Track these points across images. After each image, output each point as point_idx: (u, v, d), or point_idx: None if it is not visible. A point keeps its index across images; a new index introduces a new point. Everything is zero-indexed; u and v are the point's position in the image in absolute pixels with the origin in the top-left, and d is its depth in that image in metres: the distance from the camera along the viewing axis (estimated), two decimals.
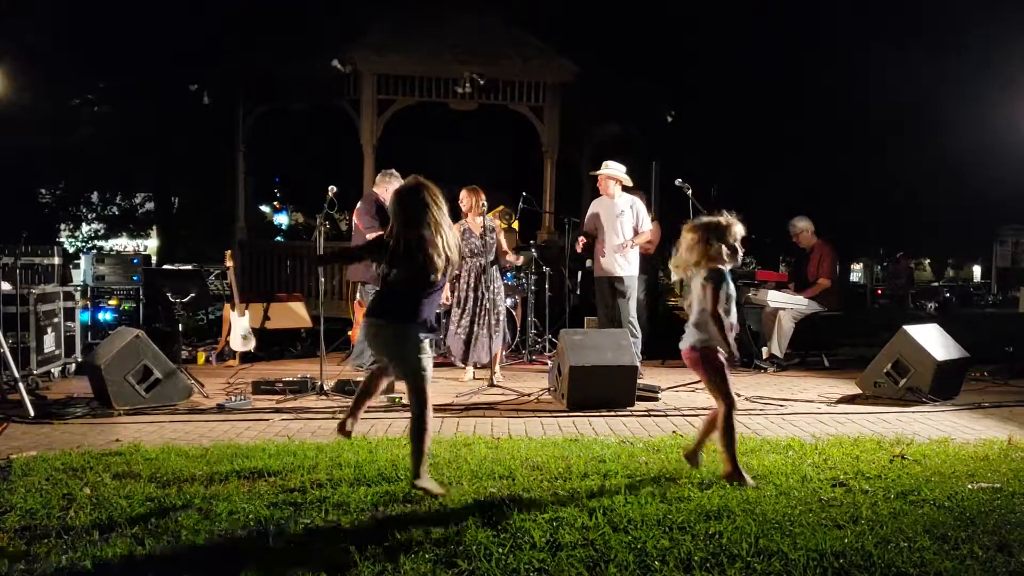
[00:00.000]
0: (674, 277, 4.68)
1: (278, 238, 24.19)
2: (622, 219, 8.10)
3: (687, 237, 4.44)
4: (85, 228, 25.77)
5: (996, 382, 7.92)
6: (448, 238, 4.17)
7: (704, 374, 4.46)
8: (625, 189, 8.29)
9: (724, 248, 4.33)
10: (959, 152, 18.19)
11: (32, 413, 6.00)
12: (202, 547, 3.37)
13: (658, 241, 9.23)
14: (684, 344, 4.50)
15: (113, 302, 9.77)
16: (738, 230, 4.38)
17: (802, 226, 9.48)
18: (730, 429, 4.31)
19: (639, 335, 8.16)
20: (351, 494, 4.02)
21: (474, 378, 7.85)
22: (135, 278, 9.86)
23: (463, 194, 7.86)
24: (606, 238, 8.13)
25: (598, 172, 8.25)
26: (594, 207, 8.34)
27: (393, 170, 8.24)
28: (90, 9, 16.19)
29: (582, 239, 8.15)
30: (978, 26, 17.06)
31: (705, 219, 4.47)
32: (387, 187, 8.11)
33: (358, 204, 8.15)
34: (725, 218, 4.39)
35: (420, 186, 4.22)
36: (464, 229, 7.75)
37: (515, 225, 10.70)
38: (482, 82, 10.55)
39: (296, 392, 6.85)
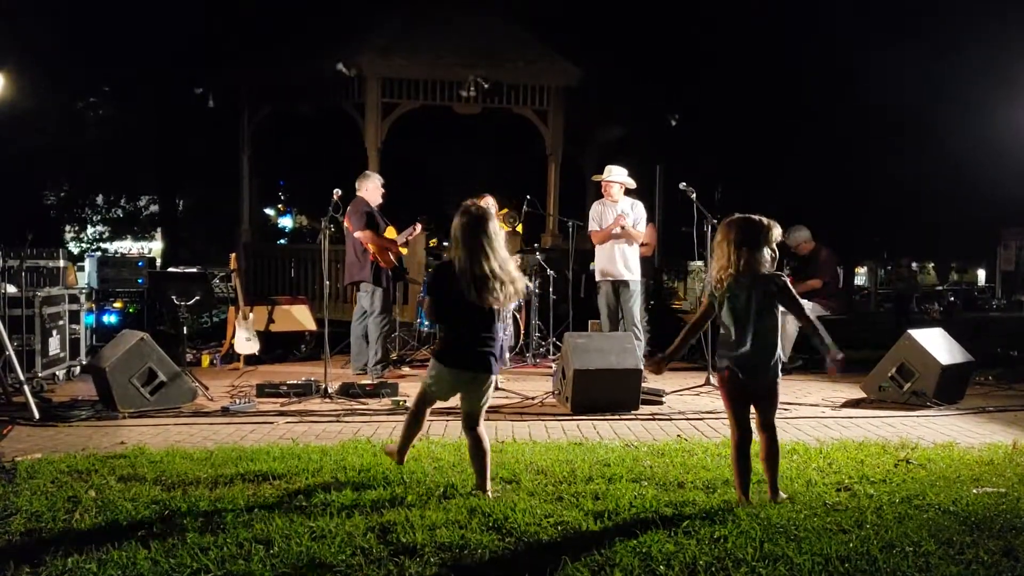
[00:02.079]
0: (715, 292, 4.03)
1: (282, 241, 24.26)
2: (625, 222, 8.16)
3: (732, 237, 3.95)
4: (90, 230, 25.84)
5: (1001, 386, 7.89)
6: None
7: (776, 400, 4.06)
8: (627, 193, 8.33)
9: (768, 252, 3.94)
10: (962, 154, 18.18)
11: (37, 415, 6.02)
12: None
13: (654, 244, 9.22)
14: (768, 368, 3.97)
15: (118, 305, 9.79)
16: (776, 233, 3.99)
17: (800, 236, 9.17)
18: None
19: (643, 338, 8.17)
20: (356, 498, 4.03)
21: None
22: (140, 281, 9.88)
23: (480, 200, 7.99)
24: (611, 240, 8.14)
25: (601, 178, 8.28)
26: (598, 208, 8.36)
27: (368, 171, 8.50)
28: (93, 12, 16.25)
29: (620, 217, 8.12)
30: (981, 27, 17.05)
31: (743, 217, 4.01)
32: (365, 187, 8.28)
33: (348, 207, 8.25)
34: (766, 219, 3.99)
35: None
36: None
37: (519, 228, 10.71)
38: (486, 85, 10.56)
39: (300, 395, 6.86)
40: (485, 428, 4.24)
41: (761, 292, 3.93)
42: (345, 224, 8.24)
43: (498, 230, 4.07)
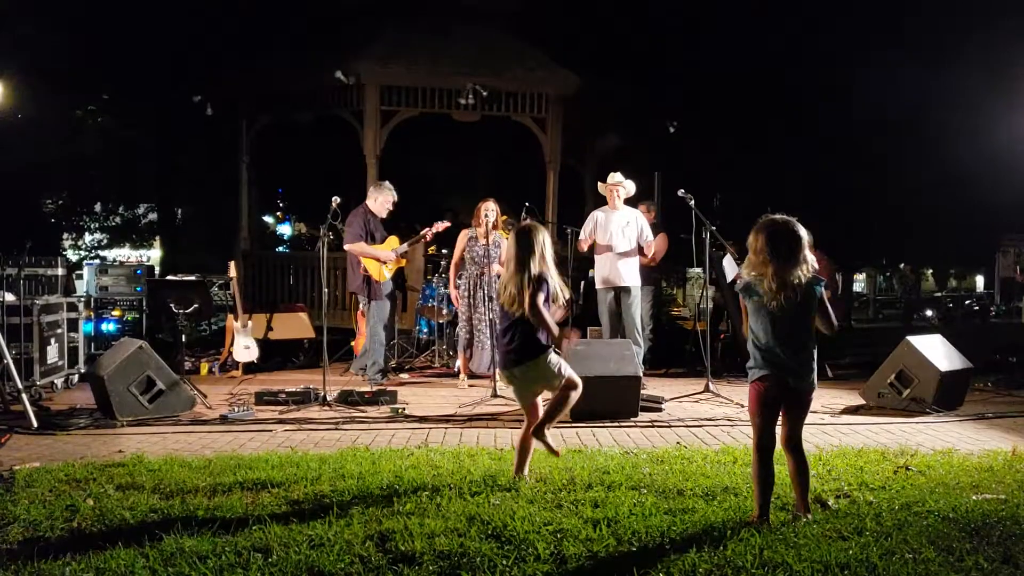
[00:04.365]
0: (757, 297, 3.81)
1: (281, 248, 24.25)
2: (627, 230, 8.18)
3: (774, 242, 3.75)
4: (88, 238, 25.81)
5: (1000, 392, 7.91)
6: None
7: (808, 410, 3.95)
8: (625, 201, 8.35)
9: (810, 256, 3.77)
10: (961, 162, 18.24)
11: (35, 424, 6.00)
12: None
13: (664, 252, 9.22)
14: (812, 377, 3.85)
15: (116, 313, 9.77)
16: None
17: None
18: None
19: (643, 346, 8.17)
20: (354, 506, 4.02)
21: (469, 386, 7.90)
22: (138, 289, 9.87)
23: (481, 204, 8.00)
24: (612, 247, 8.13)
25: (611, 182, 8.24)
26: (596, 216, 8.33)
27: (387, 182, 8.36)
28: (93, 20, 16.29)
29: (587, 240, 8.18)
30: (982, 35, 17.11)
31: (784, 220, 3.79)
32: (374, 197, 8.23)
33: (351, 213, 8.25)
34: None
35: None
36: (470, 237, 7.98)
37: None
38: (485, 93, 10.58)
39: (299, 403, 6.85)
40: (550, 434, 4.49)
41: (804, 297, 3.77)
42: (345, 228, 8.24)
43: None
